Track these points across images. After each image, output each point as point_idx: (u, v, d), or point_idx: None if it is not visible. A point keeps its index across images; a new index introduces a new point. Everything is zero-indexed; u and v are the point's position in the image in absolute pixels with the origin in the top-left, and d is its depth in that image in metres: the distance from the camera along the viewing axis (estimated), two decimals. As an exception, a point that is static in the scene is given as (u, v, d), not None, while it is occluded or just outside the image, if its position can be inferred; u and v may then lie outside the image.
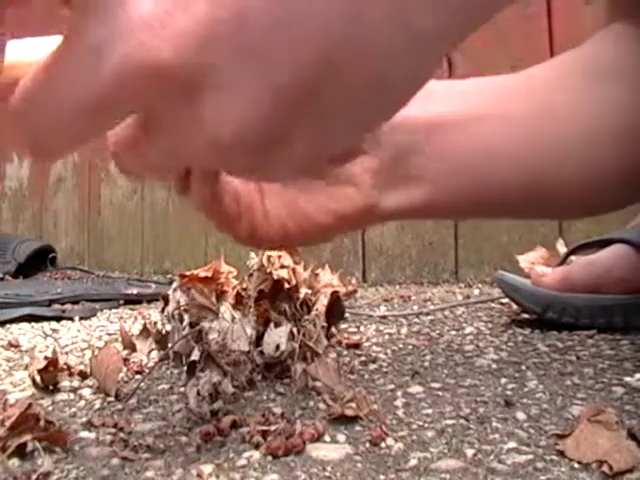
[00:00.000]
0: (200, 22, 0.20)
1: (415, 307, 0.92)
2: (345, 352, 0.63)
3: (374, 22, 0.20)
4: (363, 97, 0.22)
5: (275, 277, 0.53)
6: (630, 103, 0.43)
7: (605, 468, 0.33)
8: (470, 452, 0.37)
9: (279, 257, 0.54)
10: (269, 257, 0.54)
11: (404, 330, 0.74)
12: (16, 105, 0.22)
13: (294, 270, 0.54)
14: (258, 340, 0.51)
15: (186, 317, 0.50)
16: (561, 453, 0.36)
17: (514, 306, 0.80)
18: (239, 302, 0.55)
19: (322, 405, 0.46)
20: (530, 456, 0.36)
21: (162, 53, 0.19)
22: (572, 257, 0.77)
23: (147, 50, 0.19)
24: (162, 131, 0.23)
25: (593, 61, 0.45)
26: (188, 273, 0.53)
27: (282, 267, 0.54)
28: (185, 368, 0.48)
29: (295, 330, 0.51)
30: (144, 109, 0.23)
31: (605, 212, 0.50)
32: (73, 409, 0.48)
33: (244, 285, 0.56)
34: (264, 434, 0.40)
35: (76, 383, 0.55)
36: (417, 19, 0.21)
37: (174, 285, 0.52)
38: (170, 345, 0.50)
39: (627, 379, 0.50)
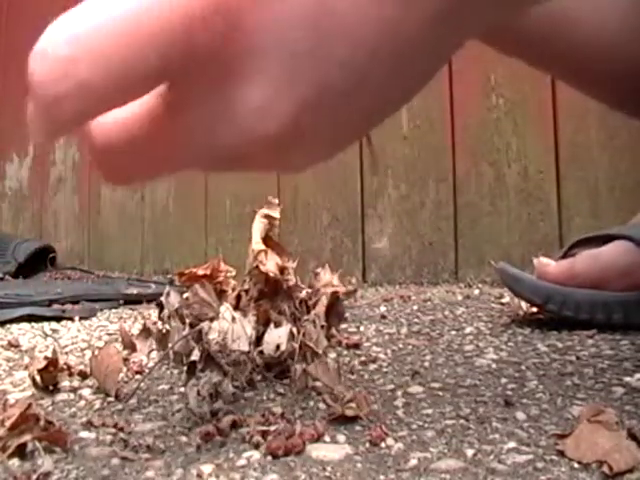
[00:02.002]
0: (299, 102, 0.22)
1: (415, 307, 0.92)
2: (345, 352, 0.63)
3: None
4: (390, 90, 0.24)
5: (271, 275, 0.53)
6: None
7: (605, 468, 0.33)
8: (470, 452, 0.37)
9: (266, 253, 0.54)
10: (258, 253, 0.54)
11: (404, 330, 0.74)
12: (107, 147, 0.23)
13: (282, 269, 0.54)
14: (258, 340, 0.51)
15: (186, 317, 0.50)
16: (561, 453, 0.36)
17: (514, 306, 0.80)
18: (239, 302, 0.55)
19: (322, 405, 0.46)
20: (530, 456, 0.36)
21: (269, 131, 0.22)
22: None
23: (257, 131, 0.22)
24: (194, 116, 0.22)
25: None
26: (187, 271, 0.53)
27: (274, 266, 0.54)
28: (185, 368, 0.48)
29: (295, 330, 0.51)
30: (179, 93, 0.22)
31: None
32: (73, 409, 0.48)
33: (246, 286, 0.56)
34: (264, 434, 0.40)
35: (76, 383, 0.55)
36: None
37: (166, 290, 0.52)
38: (170, 345, 0.50)
39: (627, 379, 0.50)
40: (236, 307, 0.54)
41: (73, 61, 0.19)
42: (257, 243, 0.53)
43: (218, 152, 0.23)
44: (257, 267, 0.54)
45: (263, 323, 0.53)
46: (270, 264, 0.53)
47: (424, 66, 0.24)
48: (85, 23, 0.20)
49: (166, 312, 0.51)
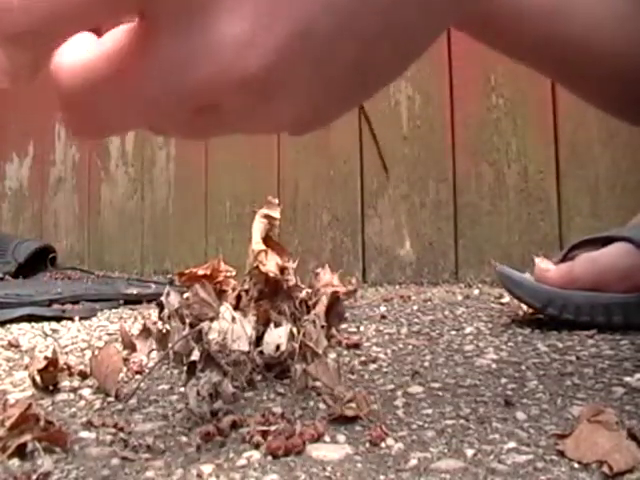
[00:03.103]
0: (281, 39, 0.20)
1: (415, 307, 0.92)
2: (345, 352, 0.63)
3: None
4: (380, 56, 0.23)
5: (271, 275, 0.53)
6: None
7: (605, 468, 0.33)
8: (470, 452, 0.37)
9: (266, 253, 0.54)
10: (258, 253, 0.54)
11: (404, 330, 0.74)
12: (71, 91, 0.21)
13: (282, 269, 0.54)
14: (258, 340, 0.51)
15: (186, 317, 0.50)
16: (561, 453, 0.36)
17: (514, 306, 0.80)
18: (239, 302, 0.55)
19: (322, 405, 0.46)
20: (530, 456, 0.36)
21: (249, 68, 0.21)
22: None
23: (236, 67, 0.20)
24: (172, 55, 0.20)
25: None
26: (187, 271, 0.53)
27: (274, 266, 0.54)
28: (185, 368, 0.48)
29: (295, 330, 0.51)
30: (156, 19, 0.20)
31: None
32: (73, 409, 0.48)
33: (246, 286, 0.56)
34: (264, 434, 0.40)
35: (76, 383, 0.55)
36: None
37: (166, 290, 0.52)
38: (170, 345, 0.50)
39: (627, 379, 0.50)
40: (236, 307, 0.54)
41: None
42: (257, 243, 0.53)
43: (193, 95, 0.21)
44: (257, 267, 0.54)
45: (263, 323, 0.53)
46: (270, 264, 0.53)
47: (416, 26, 0.23)
48: None
49: (166, 312, 0.51)
